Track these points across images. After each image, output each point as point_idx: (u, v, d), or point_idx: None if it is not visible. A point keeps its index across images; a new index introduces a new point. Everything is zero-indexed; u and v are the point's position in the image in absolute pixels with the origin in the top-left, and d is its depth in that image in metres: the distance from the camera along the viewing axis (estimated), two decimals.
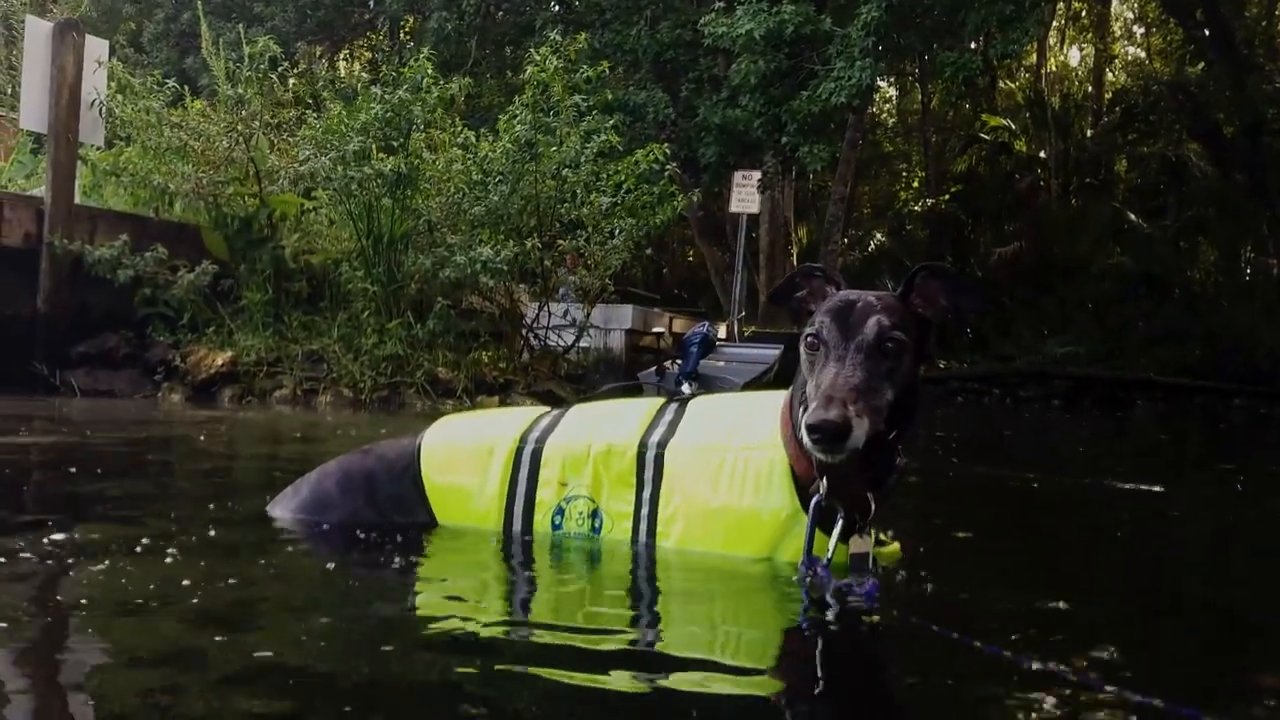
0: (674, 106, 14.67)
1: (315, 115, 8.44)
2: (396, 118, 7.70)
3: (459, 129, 8.46)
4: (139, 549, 1.96)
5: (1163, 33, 24.89)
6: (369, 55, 22.23)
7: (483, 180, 8.07)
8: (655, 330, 13.17)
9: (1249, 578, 2.46)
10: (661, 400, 2.20)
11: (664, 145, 9.37)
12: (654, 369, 10.80)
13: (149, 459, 4.02)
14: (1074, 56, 28.25)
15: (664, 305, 16.02)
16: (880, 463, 1.82)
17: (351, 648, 1.45)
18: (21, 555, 1.89)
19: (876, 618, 1.67)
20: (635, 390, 9.78)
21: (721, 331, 13.33)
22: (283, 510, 2.34)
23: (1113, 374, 16.13)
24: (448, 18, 16.05)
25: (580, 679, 1.33)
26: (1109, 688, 1.30)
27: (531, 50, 8.74)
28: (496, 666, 1.39)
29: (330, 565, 1.96)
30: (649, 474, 2.02)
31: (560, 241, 8.55)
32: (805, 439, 1.68)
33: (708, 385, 9.83)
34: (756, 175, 14.43)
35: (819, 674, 1.46)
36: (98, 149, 7.92)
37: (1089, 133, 23.53)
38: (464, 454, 2.21)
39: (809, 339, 1.80)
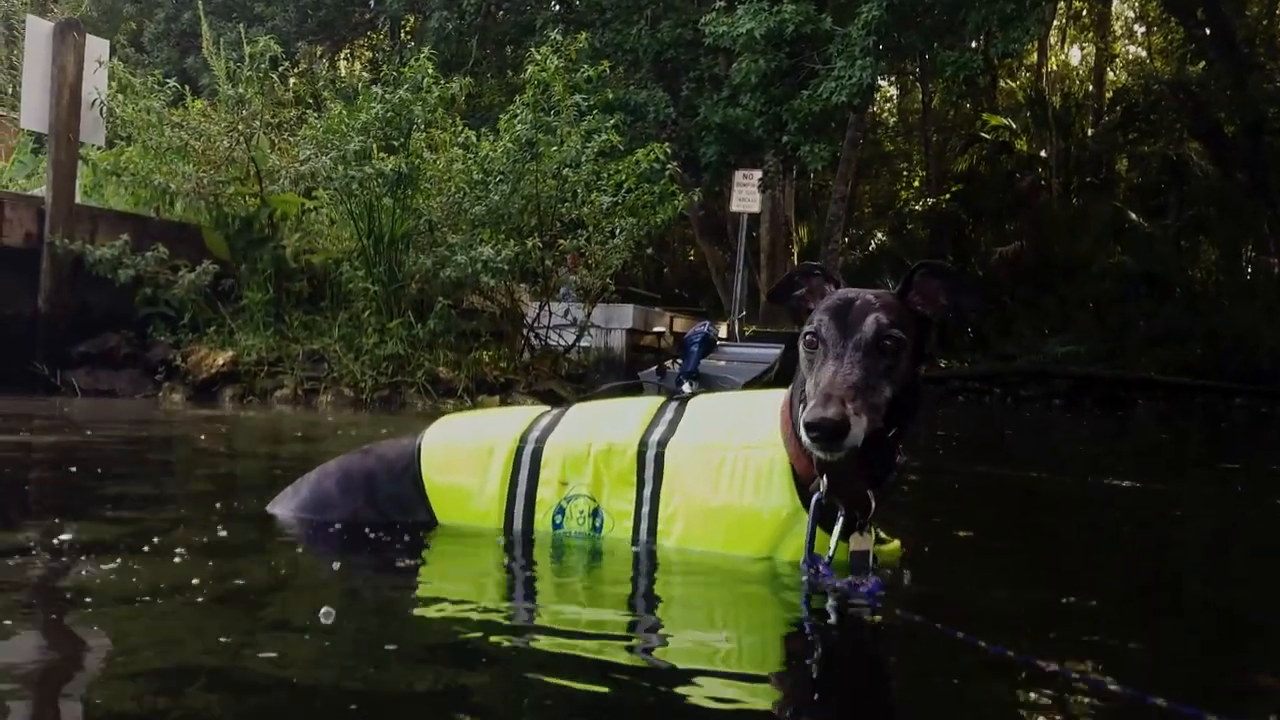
0: (675, 106, 14.67)
1: (316, 115, 8.44)
2: (397, 117, 7.70)
3: (460, 128, 8.46)
4: (138, 548, 1.96)
5: (1163, 32, 24.89)
6: (370, 55, 22.23)
7: (483, 180, 8.07)
8: (656, 330, 13.17)
9: (1249, 578, 2.45)
10: (661, 399, 2.20)
11: (665, 144, 9.37)
12: (655, 368, 10.79)
13: (150, 458, 4.02)
14: (1075, 55, 28.27)
15: (665, 305, 16.03)
16: (880, 460, 1.82)
17: (353, 648, 1.45)
18: (21, 555, 1.90)
19: (879, 617, 1.67)
20: (636, 389, 9.77)
21: (722, 331, 13.34)
22: (283, 510, 2.34)
23: (1114, 373, 16.13)
24: (448, 17, 16.05)
25: (581, 680, 1.33)
26: (1112, 686, 1.30)
27: (532, 50, 8.74)
28: (497, 668, 1.40)
29: (331, 565, 1.96)
30: (649, 473, 2.02)
31: (561, 241, 8.55)
32: (804, 437, 1.68)
33: (708, 384, 9.81)
34: (757, 174, 14.43)
35: (823, 673, 1.45)
36: (98, 149, 7.93)
37: (1090, 132, 23.54)
38: (464, 454, 2.21)
39: (807, 337, 1.80)
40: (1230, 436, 9.51)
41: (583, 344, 9.36)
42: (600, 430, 2.11)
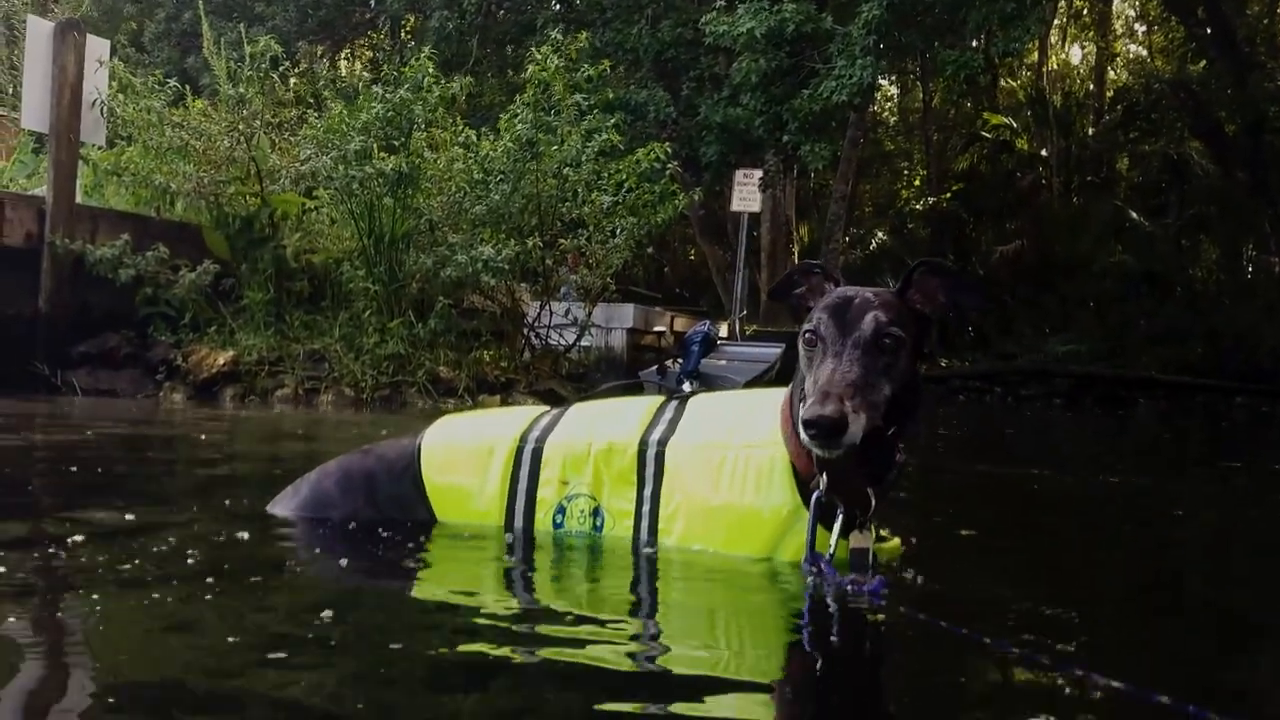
0: (675, 105, 14.67)
1: (316, 114, 8.44)
2: (398, 117, 7.70)
3: (460, 128, 8.46)
4: (138, 548, 1.96)
5: (1164, 30, 24.87)
6: (370, 54, 22.24)
7: (484, 179, 8.07)
8: (657, 329, 13.17)
9: (1250, 577, 2.45)
10: (662, 398, 2.20)
11: (665, 144, 9.37)
12: (655, 368, 10.79)
13: (150, 458, 4.02)
14: (1075, 54, 28.25)
15: (665, 304, 16.04)
16: (879, 458, 1.82)
17: (353, 648, 1.45)
18: (21, 555, 1.90)
19: (881, 614, 1.67)
20: (636, 389, 9.77)
21: (723, 330, 13.34)
22: (283, 509, 2.34)
23: (1114, 372, 16.13)
24: (449, 17, 16.05)
25: (581, 679, 1.33)
26: (1115, 684, 1.30)
27: (533, 49, 8.75)
28: (498, 668, 1.39)
29: (331, 565, 1.96)
30: (650, 472, 2.02)
31: (561, 240, 8.55)
32: (802, 434, 1.68)
33: (709, 384, 9.81)
34: (758, 174, 14.43)
35: (827, 669, 1.45)
36: (99, 148, 7.93)
37: (1090, 131, 23.53)
38: (464, 454, 2.22)
39: (807, 335, 1.80)
40: (1231, 435, 9.51)
41: (583, 343, 9.36)
42: (600, 429, 2.11)
